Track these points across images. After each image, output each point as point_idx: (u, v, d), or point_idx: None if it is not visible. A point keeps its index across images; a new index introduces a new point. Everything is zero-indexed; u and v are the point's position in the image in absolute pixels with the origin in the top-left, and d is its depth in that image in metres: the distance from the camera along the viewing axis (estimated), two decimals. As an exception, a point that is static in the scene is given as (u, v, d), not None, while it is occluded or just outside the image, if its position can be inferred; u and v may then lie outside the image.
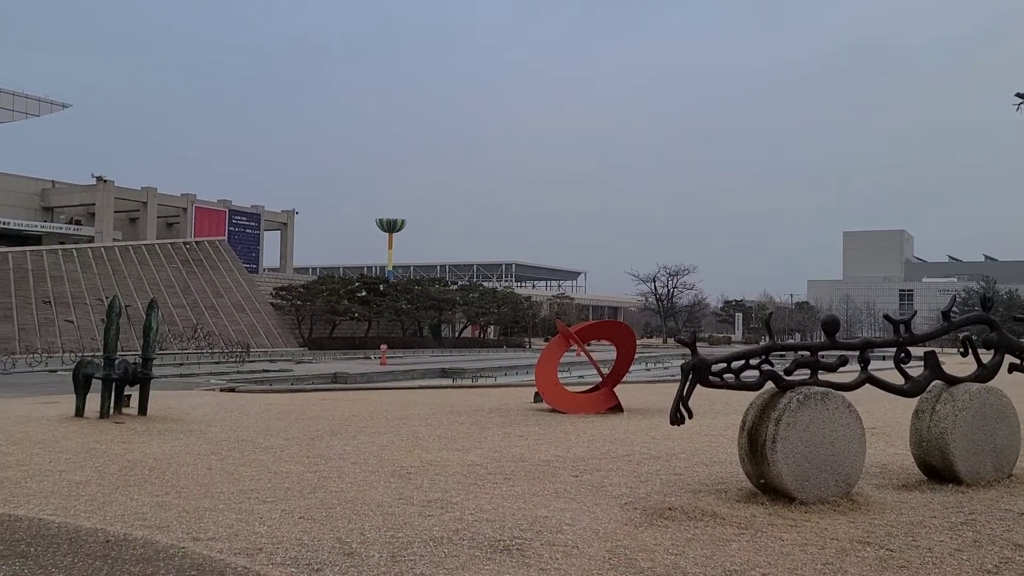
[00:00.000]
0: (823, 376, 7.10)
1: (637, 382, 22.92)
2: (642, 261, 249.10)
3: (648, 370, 40.84)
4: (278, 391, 21.96)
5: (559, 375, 15.83)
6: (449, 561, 5.06)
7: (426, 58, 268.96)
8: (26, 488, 7.23)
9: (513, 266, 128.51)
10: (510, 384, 25.80)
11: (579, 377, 25.85)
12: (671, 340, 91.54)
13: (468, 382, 30.74)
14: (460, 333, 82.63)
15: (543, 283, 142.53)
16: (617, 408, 14.23)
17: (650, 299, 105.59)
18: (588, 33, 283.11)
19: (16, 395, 20.02)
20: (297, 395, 19.74)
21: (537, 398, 15.29)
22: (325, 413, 14.10)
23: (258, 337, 55.94)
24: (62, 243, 57.81)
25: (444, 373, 37.70)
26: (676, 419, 6.91)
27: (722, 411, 13.70)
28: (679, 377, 6.99)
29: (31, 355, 39.67)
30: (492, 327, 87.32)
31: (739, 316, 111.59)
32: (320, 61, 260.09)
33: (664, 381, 24.94)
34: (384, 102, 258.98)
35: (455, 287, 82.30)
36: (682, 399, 6.85)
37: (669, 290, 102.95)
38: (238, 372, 33.47)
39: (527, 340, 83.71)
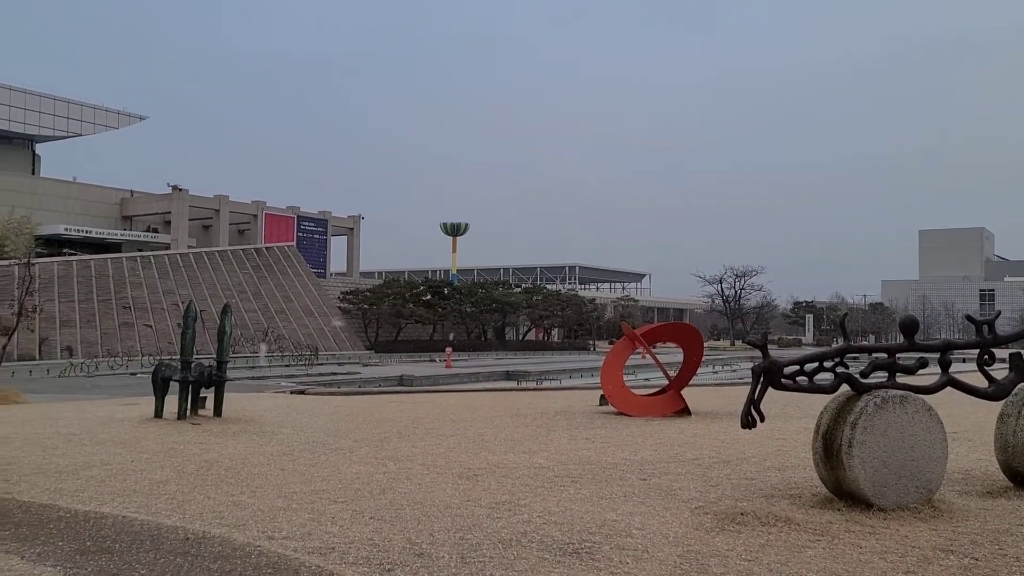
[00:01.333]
0: (901, 379, 6.87)
1: (704, 385, 22.56)
2: (708, 262, 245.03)
3: (715, 373, 40.20)
4: (346, 393, 22.32)
5: (625, 378, 15.69)
6: (519, 563, 5.06)
7: (486, 65, 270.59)
8: (110, 486, 7.50)
9: (577, 268, 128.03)
10: (575, 387, 25.71)
11: (645, 380, 25.59)
12: (739, 342, 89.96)
13: (533, 385, 30.74)
14: (524, 336, 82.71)
15: (607, 285, 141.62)
16: (684, 411, 14.04)
17: (716, 301, 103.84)
18: (647, 32, 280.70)
19: (99, 397, 20.82)
20: (364, 397, 20.03)
21: (603, 401, 15.19)
22: (392, 415, 14.26)
23: (326, 340, 56.99)
24: (140, 250, 59.90)
25: (508, 376, 37.77)
26: (747, 422, 6.78)
27: (794, 415, 13.39)
28: (749, 380, 6.85)
29: (112, 358, 41.24)
30: (556, 330, 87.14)
31: (809, 318, 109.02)
32: (383, 70, 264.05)
33: (732, 384, 24.50)
34: (448, 107, 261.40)
35: (519, 290, 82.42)
36: (753, 402, 6.72)
37: (736, 291, 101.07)
38: (307, 375, 34.16)
39: (591, 343, 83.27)
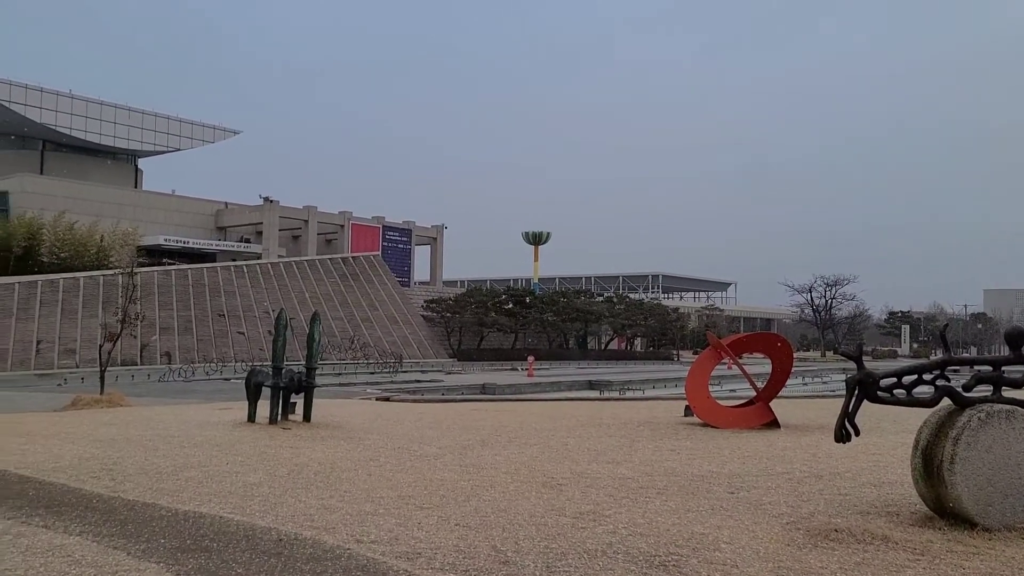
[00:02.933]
0: (1007, 393, 6.54)
1: (794, 397, 21.94)
2: (796, 271, 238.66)
3: (806, 385, 39.10)
4: (430, 401, 22.61)
5: (710, 388, 15.40)
6: (604, 574, 5.02)
7: (561, 75, 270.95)
8: (207, 488, 7.78)
9: (660, 277, 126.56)
10: (659, 397, 25.38)
11: (731, 391, 25.09)
12: (830, 353, 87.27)
13: (615, 394, 30.52)
14: (606, 345, 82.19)
15: (691, 294, 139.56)
16: (773, 424, 13.68)
17: (806, 310, 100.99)
18: (730, 43, 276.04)
19: (196, 401, 21.66)
20: (448, 405, 20.24)
21: (688, 412, 14.94)
22: (475, 423, 14.36)
23: (410, 348, 57.88)
24: (234, 260, 62.12)
25: (591, 385, 37.60)
26: (841, 436, 6.57)
27: (890, 429, 12.89)
28: (842, 392, 6.64)
29: (208, 364, 42.88)
30: (639, 339, 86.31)
31: (905, 328, 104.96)
32: (462, 80, 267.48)
33: (824, 396, 23.76)
34: (527, 117, 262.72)
35: (601, 299, 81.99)
36: (848, 415, 6.50)
37: (827, 301, 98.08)
38: (392, 382, 34.77)
39: (675, 352, 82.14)
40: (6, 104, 66.57)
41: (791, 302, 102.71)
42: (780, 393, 15.17)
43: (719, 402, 15.24)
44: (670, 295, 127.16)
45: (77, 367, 39.33)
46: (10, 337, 40.10)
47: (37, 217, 52.92)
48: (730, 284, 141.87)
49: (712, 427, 13.49)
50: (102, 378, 22.32)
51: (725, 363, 16.49)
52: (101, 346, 24.26)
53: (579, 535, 6.00)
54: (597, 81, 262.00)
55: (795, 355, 16.83)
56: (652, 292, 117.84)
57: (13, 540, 5.66)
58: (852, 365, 6.68)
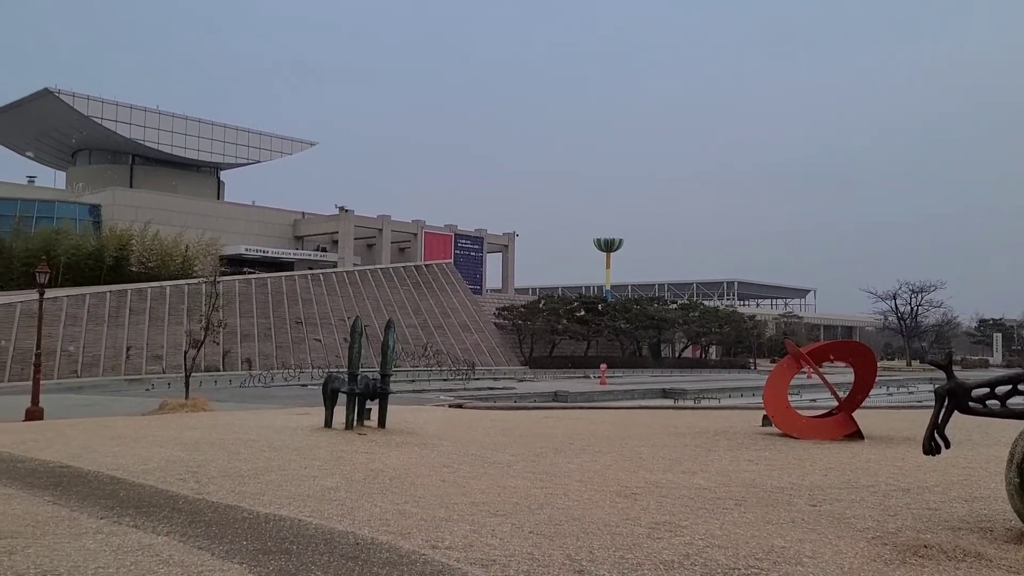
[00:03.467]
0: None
1: (878, 407, 21.20)
2: (879, 277, 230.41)
3: (890, 395, 37.74)
4: (502, 408, 22.65)
5: (789, 398, 15.01)
6: (681, 587, 4.92)
7: (636, 80, 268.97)
8: (286, 491, 7.95)
9: (735, 284, 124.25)
10: (735, 406, 24.87)
11: (811, 400, 24.41)
12: (915, 362, 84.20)
13: (690, 403, 30.02)
14: (680, 353, 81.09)
15: (768, 301, 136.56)
16: (856, 435, 13.25)
17: (890, 318, 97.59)
18: (804, 49, 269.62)
19: (274, 406, 22.22)
20: (520, 412, 20.25)
21: (766, 421, 14.60)
22: (548, 431, 14.33)
23: (482, 355, 58.20)
24: (310, 268, 63.61)
25: (665, 393, 37.09)
26: (930, 449, 6.32)
27: (981, 442, 12.34)
28: (930, 403, 6.38)
29: (286, 370, 43.97)
30: (714, 347, 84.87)
31: (997, 336, 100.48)
32: (534, 89, 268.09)
33: (910, 407, 22.90)
34: (597, 124, 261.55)
35: (674, 306, 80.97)
36: (937, 427, 6.25)
37: (912, 308, 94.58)
38: (464, 389, 34.99)
39: (752, 361, 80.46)
40: (98, 121, 69.77)
41: (874, 309, 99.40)
42: (863, 403, 14.68)
43: (799, 412, 14.84)
44: (746, 302, 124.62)
45: (164, 372, 40.83)
46: (102, 343, 41.90)
47: (127, 229, 55.25)
48: (809, 291, 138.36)
49: (791, 438, 13.15)
50: (187, 383, 23.11)
51: (804, 372, 16.02)
52: (186, 352, 25.16)
53: (655, 546, 5.91)
54: (668, 81, 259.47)
55: (879, 364, 16.27)
56: (727, 299, 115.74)
57: (105, 539, 5.88)
58: (940, 375, 6.43)
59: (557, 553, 5.68)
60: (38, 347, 22.61)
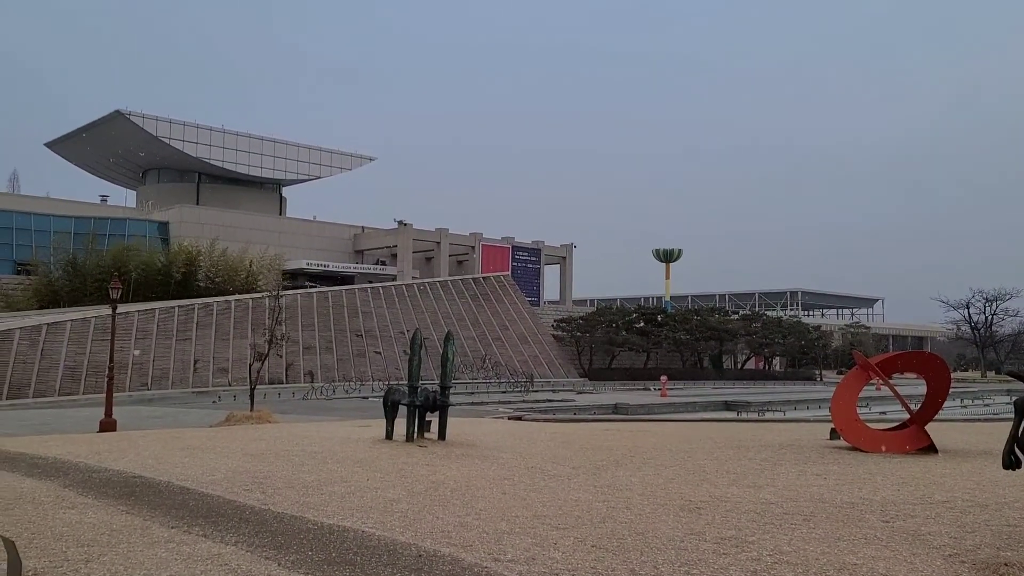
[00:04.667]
0: None
1: (952, 420, 20.49)
2: (951, 285, 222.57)
3: (965, 407, 36.37)
4: (562, 420, 22.56)
5: (858, 410, 14.60)
6: (750, 604, 4.80)
7: (694, 84, 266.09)
8: (350, 503, 8.03)
9: (799, 294, 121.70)
10: (801, 419, 24.31)
11: (880, 413, 23.73)
12: (991, 373, 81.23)
13: (754, 416, 29.47)
14: (743, 365, 79.71)
15: (833, 311, 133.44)
16: (930, 448, 12.81)
17: (963, 328, 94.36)
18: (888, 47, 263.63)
19: (336, 418, 22.52)
20: (580, 425, 20.13)
21: (834, 435, 14.22)
22: (608, 443, 14.20)
23: (541, 367, 58.10)
24: (370, 282, 64.46)
25: (727, 406, 36.48)
26: (1009, 463, 6.06)
27: (1063, 456, 11.79)
28: (1009, 415, 6.13)
29: (347, 383, 44.58)
30: (777, 358, 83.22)
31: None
32: (592, 100, 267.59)
33: (987, 420, 22.05)
34: (656, 134, 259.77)
35: (736, 317, 79.69)
36: (1016, 440, 6.00)
37: (987, 317, 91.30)
38: (523, 401, 34.96)
39: (817, 372, 78.65)
40: (166, 141, 72.07)
41: (946, 319, 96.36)
42: (936, 416, 14.19)
43: (868, 425, 14.41)
44: (810, 312, 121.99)
45: (229, 385, 41.77)
46: (171, 357, 43.09)
47: (194, 245, 56.85)
48: (876, 300, 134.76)
49: (861, 451, 12.78)
50: (252, 396, 23.58)
51: (873, 384, 15.56)
52: (251, 365, 25.71)
53: (721, 561, 5.79)
54: (726, 89, 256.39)
55: (952, 375, 15.72)
56: (791, 309, 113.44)
57: (176, 548, 6.02)
58: (1019, 386, 6.18)
59: (621, 568, 5.60)
60: (111, 360, 23.36)
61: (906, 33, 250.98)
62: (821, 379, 74.45)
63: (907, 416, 14.00)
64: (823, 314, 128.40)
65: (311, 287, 59.26)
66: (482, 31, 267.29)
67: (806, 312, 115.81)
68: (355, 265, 74.00)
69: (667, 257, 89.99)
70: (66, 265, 52.39)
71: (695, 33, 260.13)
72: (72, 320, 40.25)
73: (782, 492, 8.92)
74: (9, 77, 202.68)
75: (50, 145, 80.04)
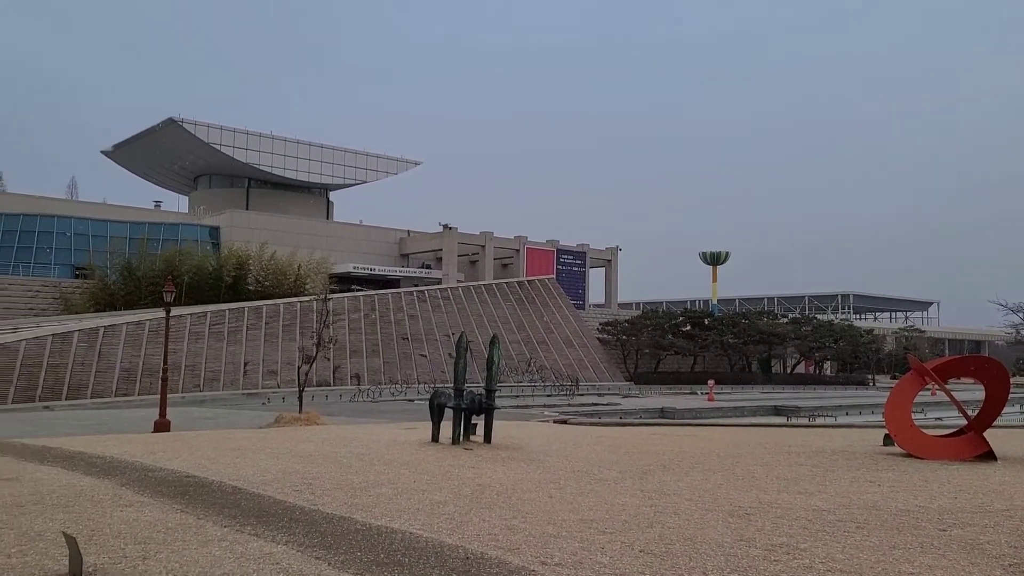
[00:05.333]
0: None
1: (1012, 427, 19.91)
2: (1012, 287, 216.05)
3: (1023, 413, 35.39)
4: (607, 424, 22.45)
5: (913, 416, 14.26)
6: (802, 612, 4.72)
7: (745, 83, 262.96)
8: (397, 504, 8.09)
9: (851, 296, 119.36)
10: (853, 424, 23.85)
11: (936, 419, 23.17)
12: (1054, 379, 78.63)
13: (804, 421, 28.99)
14: (792, 369, 78.50)
15: (886, 315, 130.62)
16: (988, 455, 12.45)
17: (1022, 331, 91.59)
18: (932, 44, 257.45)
19: (383, 421, 22.72)
20: (626, 429, 20.01)
21: (887, 441, 13.90)
22: (655, 448, 14.08)
23: (586, 371, 57.93)
24: (416, 285, 64.97)
25: (777, 411, 35.98)
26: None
27: None
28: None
29: (393, 385, 44.97)
30: (828, 362, 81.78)
31: None
32: (636, 102, 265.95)
33: (1046, 426, 21.39)
34: (699, 134, 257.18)
35: (785, 320, 78.52)
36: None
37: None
38: (569, 404, 34.89)
39: (870, 377, 77.08)
40: (217, 147, 73.57)
41: (1004, 322, 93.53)
42: (995, 422, 13.80)
43: (924, 431, 14.07)
44: (862, 316, 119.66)
45: (278, 387, 42.45)
46: (222, 359, 43.94)
47: (243, 249, 57.90)
48: (932, 303, 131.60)
49: (916, 458, 12.47)
50: (300, 398, 23.93)
51: (928, 389, 15.19)
52: (299, 368, 26.08)
53: (772, 568, 5.70)
54: (781, 93, 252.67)
55: (1012, 380, 15.27)
56: (842, 313, 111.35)
57: (230, 547, 6.13)
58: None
59: (669, 573, 5.56)
60: (165, 362, 23.91)
61: (937, 31, 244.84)
62: (874, 384, 72.98)
63: (964, 422, 13.64)
64: (876, 317, 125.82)
65: (358, 290, 59.92)
66: (526, 34, 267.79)
67: (858, 315, 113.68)
68: (401, 268, 74.63)
69: (714, 260, 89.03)
70: (121, 269, 53.77)
71: (749, 21, 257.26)
72: (127, 323, 41.29)
73: (834, 499, 8.75)
74: (69, 87, 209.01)
75: (107, 153, 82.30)
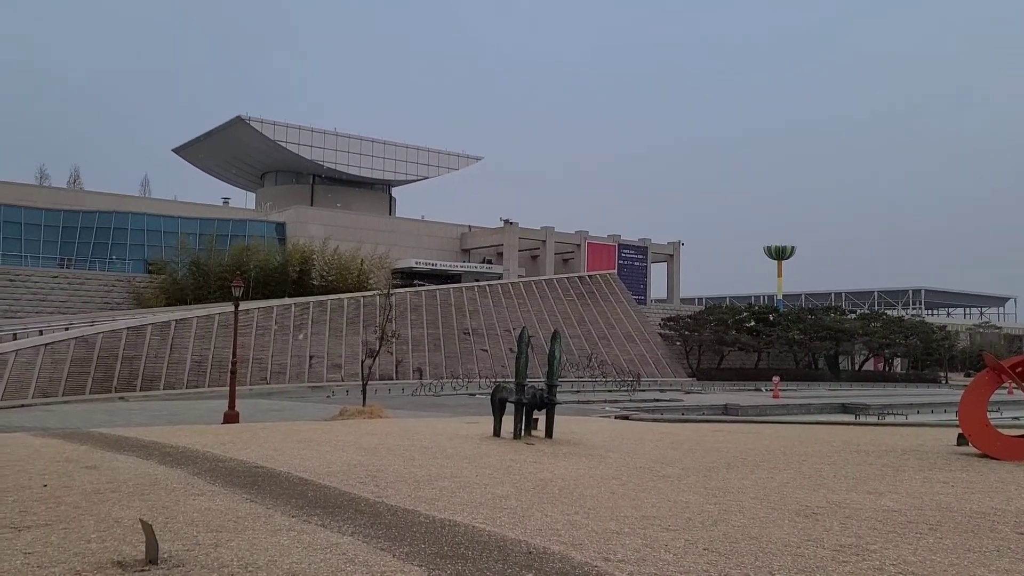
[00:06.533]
0: None
1: (1093, 427, 19.06)
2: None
3: (1107, 413, 33.86)
4: (669, 420, 22.24)
5: (989, 415, 13.76)
6: (873, 615, 4.61)
7: (813, 76, 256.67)
8: (459, 498, 8.16)
9: (922, 292, 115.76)
10: (924, 423, 23.14)
11: (1013, 418, 22.34)
12: None
13: (873, 419, 28.25)
14: (861, 366, 76.52)
15: (960, 310, 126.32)
16: (1070, 457, 11.94)
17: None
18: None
19: (445, 415, 22.93)
20: (688, 425, 19.78)
21: (961, 440, 13.45)
22: (719, 445, 13.90)
23: (647, 366, 57.47)
24: (477, 280, 65.34)
25: (844, 408, 35.13)
26: None
27: None
28: None
29: (454, 380, 45.33)
30: (898, 360, 79.48)
31: None
32: (697, 94, 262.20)
33: None
34: (768, 124, 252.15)
35: (853, 316, 76.57)
36: None
37: None
38: (630, 400, 34.66)
39: (942, 375, 74.66)
40: (283, 145, 75.08)
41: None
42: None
43: (1000, 431, 13.57)
44: (934, 311, 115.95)
45: (342, 381, 43.20)
46: (288, 353, 44.91)
47: (307, 244, 59.00)
48: (1008, 299, 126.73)
49: (991, 458, 12.05)
50: (364, 391, 24.31)
51: (1005, 387, 14.65)
52: (363, 362, 26.49)
53: (841, 569, 5.58)
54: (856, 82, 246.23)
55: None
56: (913, 308, 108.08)
57: (297, 536, 6.27)
58: None
59: (735, 572, 5.48)
60: (234, 355, 24.54)
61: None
62: (946, 382, 70.71)
63: (1044, 422, 13.11)
64: (949, 313, 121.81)
65: (419, 285, 60.53)
66: (597, 30, 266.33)
67: (930, 311, 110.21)
68: (462, 264, 75.13)
69: (779, 254, 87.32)
70: (191, 264, 55.36)
71: (817, 13, 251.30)
72: (197, 317, 42.52)
73: (905, 499, 8.51)
74: (143, 84, 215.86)
75: (177, 151, 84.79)
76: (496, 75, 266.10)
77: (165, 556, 5.56)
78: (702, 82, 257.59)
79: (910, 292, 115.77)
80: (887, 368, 78.18)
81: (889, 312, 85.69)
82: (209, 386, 39.32)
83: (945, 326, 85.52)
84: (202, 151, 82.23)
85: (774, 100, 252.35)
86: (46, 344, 35.02)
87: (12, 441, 13.27)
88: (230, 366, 24.39)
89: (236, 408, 22.09)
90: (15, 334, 37.95)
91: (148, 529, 5.55)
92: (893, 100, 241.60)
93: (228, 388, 23.42)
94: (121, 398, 34.70)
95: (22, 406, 30.17)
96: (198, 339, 41.38)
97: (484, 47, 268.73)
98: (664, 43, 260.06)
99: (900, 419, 28.16)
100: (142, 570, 5.28)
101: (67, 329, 39.05)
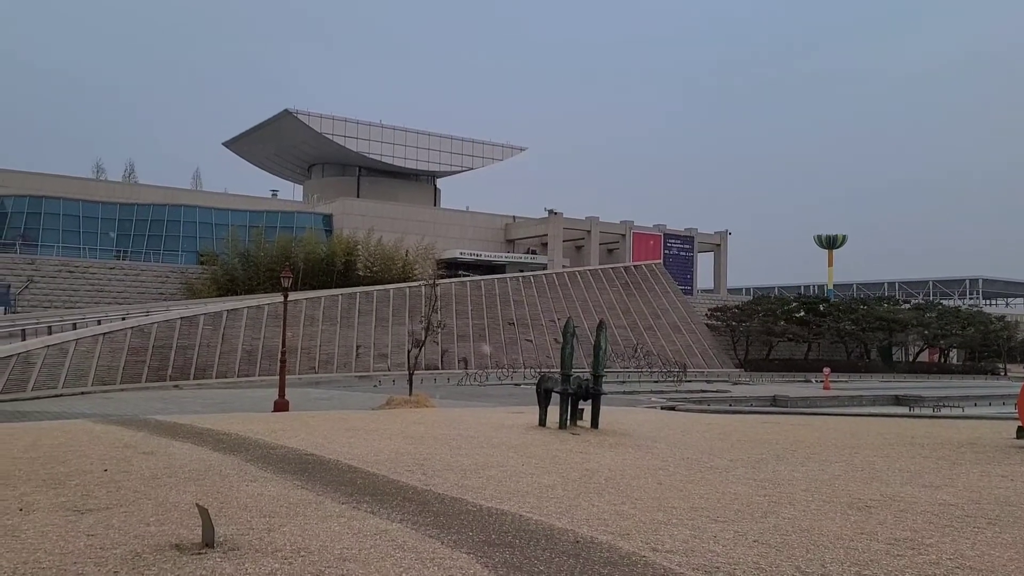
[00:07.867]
0: None
1: None
2: None
3: None
4: (717, 411, 22.03)
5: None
6: (929, 610, 4.52)
7: (854, 64, 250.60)
8: (506, 487, 8.19)
9: (980, 281, 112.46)
10: (982, 416, 22.55)
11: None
12: None
13: (928, 412, 27.64)
14: (915, 357, 74.82)
15: (1019, 300, 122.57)
16: None
17: None
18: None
19: (490, 405, 23.02)
20: (736, 416, 19.57)
21: (1021, 433, 13.09)
22: (768, 436, 13.73)
23: (694, 357, 56.95)
24: (521, 271, 65.30)
25: (898, 401, 34.43)
26: None
27: None
28: None
29: (499, 370, 45.46)
30: (955, 351, 77.54)
31: None
32: (740, 82, 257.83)
33: None
34: (815, 109, 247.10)
35: (907, 306, 74.87)
36: None
37: None
38: (676, 391, 34.41)
39: (1001, 366, 72.65)
40: (330, 137, 75.85)
41: None
42: None
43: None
44: (993, 301, 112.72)
45: (389, 370, 43.63)
46: (335, 342, 45.49)
47: (353, 235, 59.57)
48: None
49: (1053, 452, 11.70)
50: (410, 381, 24.51)
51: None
52: (409, 351, 26.73)
53: (895, 563, 5.48)
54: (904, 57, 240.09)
55: None
56: (970, 298, 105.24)
57: (347, 523, 6.36)
58: None
59: (786, 564, 5.42)
60: (283, 345, 24.94)
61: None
62: (1005, 373, 68.80)
63: (1109, 416, 12.68)
64: (1008, 303, 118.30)
65: (465, 276, 60.74)
66: (640, 22, 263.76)
67: (988, 301, 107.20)
68: (506, 254, 75.13)
69: (830, 243, 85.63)
70: (241, 256, 56.34)
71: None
72: (248, 307, 43.26)
73: (962, 493, 8.32)
74: (192, 81, 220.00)
75: (227, 144, 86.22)
76: (541, 66, 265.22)
77: (220, 540, 5.69)
78: (743, 71, 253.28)
79: (967, 281, 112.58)
80: (943, 360, 76.33)
81: (945, 302, 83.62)
82: (260, 375, 40.02)
83: (1004, 316, 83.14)
84: (251, 144, 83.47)
85: (837, 82, 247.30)
86: (104, 333, 35.97)
87: (73, 427, 13.69)
88: (280, 355, 24.79)
89: (286, 396, 22.45)
90: (75, 324, 39.04)
91: (204, 513, 5.69)
92: (946, 81, 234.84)
93: (278, 377, 23.80)
94: (175, 386, 35.53)
95: (82, 393, 31.07)
96: (248, 329, 42.12)
97: (525, 38, 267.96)
98: (708, 37, 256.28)
99: (956, 412, 27.50)
100: (199, 553, 5.40)
101: (124, 319, 40.07)
